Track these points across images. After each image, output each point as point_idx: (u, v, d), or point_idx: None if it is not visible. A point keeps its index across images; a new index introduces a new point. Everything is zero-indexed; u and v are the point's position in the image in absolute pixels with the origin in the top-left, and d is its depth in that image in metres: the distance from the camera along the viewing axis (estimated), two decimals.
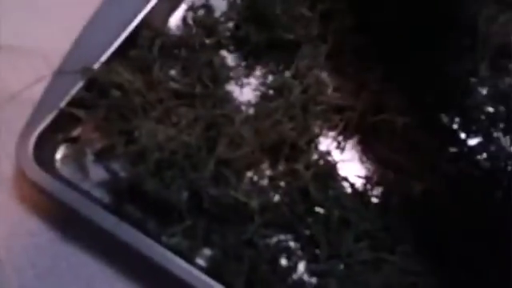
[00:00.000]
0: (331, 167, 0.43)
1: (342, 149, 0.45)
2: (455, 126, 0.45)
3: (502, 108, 0.45)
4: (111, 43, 0.45)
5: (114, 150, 0.43)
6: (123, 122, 0.43)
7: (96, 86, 0.44)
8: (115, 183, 0.43)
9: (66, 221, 0.44)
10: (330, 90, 0.45)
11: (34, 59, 0.47)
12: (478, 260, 0.40)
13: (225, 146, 0.42)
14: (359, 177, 0.44)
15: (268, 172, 0.44)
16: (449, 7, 0.45)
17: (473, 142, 0.44)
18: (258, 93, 0.47)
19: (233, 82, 0.47)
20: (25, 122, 0.43)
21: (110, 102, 0.44)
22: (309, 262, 0.41)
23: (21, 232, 0.44)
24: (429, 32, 0.44)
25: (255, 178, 0.43)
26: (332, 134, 0.45)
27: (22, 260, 0.43)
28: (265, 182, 0.43)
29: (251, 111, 0.45)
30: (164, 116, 0.44)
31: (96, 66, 0.44)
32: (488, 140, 0.44)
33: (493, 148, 0.44)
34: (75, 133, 0.45)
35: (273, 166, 0.44)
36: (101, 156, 0.44)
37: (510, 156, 0.42)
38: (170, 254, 0.40)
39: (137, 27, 0.46)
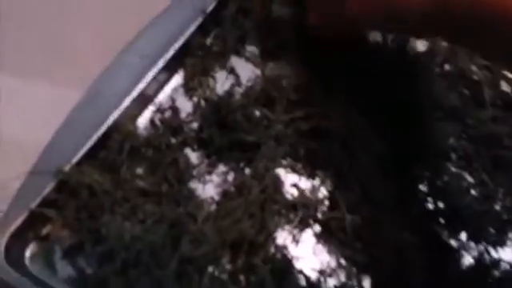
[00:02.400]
0: (287, 261, 0.47)
1: (297, 242, 0.49)
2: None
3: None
4: (83, 145, 0.48)
5: (83, 248, 0.45)
6: (92, 221, 0.46)
7: (67, 187, 0.47)
8: (82, 281, 0.45)
9: None
10: (285, 188, 0.50)
11: (12, 152, 0.50)
12: None
13: (188, 244, 0.45)
14: (314, 270, 0.47)
15: (228, 267, 0.46)
16: None
17: None
18: (219, 190, 0.50)
19: (196, 180, 0.50)
20: None
21: (79, 201, 0.47)
22: None
23: None
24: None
25: (216, 273, 0.46)
26: (288, 228, 0.49)
27: None
28: (225, 276, 0.46)
29: (213, 208, 0.48)
30: (130, 213, 0.47)
31: (67, 167, 0.47)
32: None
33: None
34: (45, 231, 0.47)
35: (233, 260, 0.47)
36: (69, 253, 0.46)
37: None
38: None
39: (108, 129, 0.49)
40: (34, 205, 0.45)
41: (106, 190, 0.47)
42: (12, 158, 0.51)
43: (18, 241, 0.45)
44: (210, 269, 0.46)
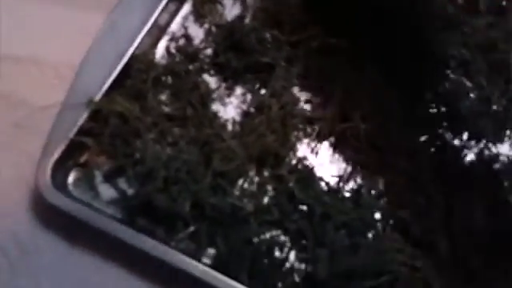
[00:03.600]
0: (309, 170, 0.51)
1: (316, 153, 0.53)
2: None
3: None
4: (109, 75, 0.51)
5: (122, 172, 0.49)
6: (126, 146, 0.49)
7: (100, 115, 0.50)
8: (125, 201, 0.49)
9: (80, 237, 0.49)
10: (302, 104, 0.53)
11: (47, 70, 0.54)
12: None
13: (218, 160, 0.49)
14: (333, 176, 0.52)
15: (256, 179, 0.51)
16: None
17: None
18: (239, 110, 0.54)
19: (217, 103, 0.54)
20: (39, 150, 0.48)
21: (112, 128, 0.50)
22: (298, 252, 0.49)
23: (32, 250, 0.50)
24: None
25: (246, 185, 0.50)
26: (307, 141, 0.53)
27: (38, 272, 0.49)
28: (254, 187, 0.50)
29: (237, 128, 0.52)
30: (160, 137, 0.51)
31: (98, 97, 0.50)
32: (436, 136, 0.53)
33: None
34: (84, 158, 0.50)
35: (260, 173, 0.51)
36: (109, 177, 0.50)
37: None
38: (180, 256, 0.46)
39: (129, 60, 0.52)
40: (71, 134, 0.48)
41: (136, 117, 0.50)
42: (50, 80, 0.54)
43: (60, 168, 0.48)
44: (240, 181, 0.50)
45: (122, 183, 0.50)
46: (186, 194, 0.47)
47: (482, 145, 0.53)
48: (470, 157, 0.53)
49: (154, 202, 0.46)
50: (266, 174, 0.50)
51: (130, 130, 0.50)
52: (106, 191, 0.50)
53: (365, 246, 0.48)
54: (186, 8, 0.58)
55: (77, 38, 0.54)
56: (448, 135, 0.53)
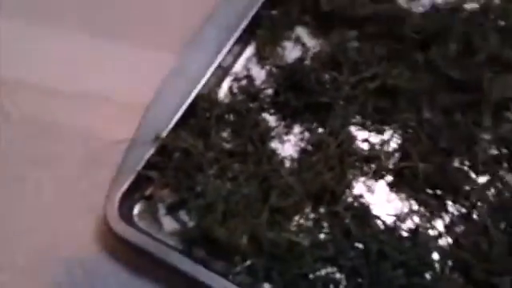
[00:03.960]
0: (365, 208, 0.52)
1: (372, 192, 0.53)
2: (466, 168, 0.53)
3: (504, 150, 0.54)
4: (175, 113, 0.54)
5: (183, 204, 0.51)
6: (189, 180, 0.52)
7: (165, 151, 0.52)
8: (186, 232, 0.51)
9: (143, 266, 0.52)
10: (359, 143, 0.54)
11: (119, 107, 0.58)
12: None
13: (276, 196, 0.51)
14: (390, 215, 0.52)
15: (312, 215, 0.52)
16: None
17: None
18: (297, 148, 0.55)
19: (275, 140, 0.56)
20: (107, 182, 0.51)
21: (176, 163, 0.52)
22: None
23: (98, 277, 0.52)
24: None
25: (302, 221, 0.51)
26: (363, 179, 0.54)
27: None
28: (310, 223, 0.51)
29: (294, 165, 0.53)
30: (221, 172, 0.53)
31: (165, 133, 0.53)
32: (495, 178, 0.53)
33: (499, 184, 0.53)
34: (149, 191, 0.53)
35: (315, 209, 0.52)
36: (172, 209, 0.52)
37: None
38: None
39: (195, 99, 0.55)
40: (138, 168, 0.51)
41: (199, 152, 0.52)
42: (121, 116, 0.58)
43: (126, 201, 0.51)
44: (296, 217, 0.51)
45: (184, 216, 0.52)
46: (244, 227, 0.49)
47: None
48: None
49: (213, 234, 0.48)
50: (322, 210, 0.51)
51: (193, 165, 0.52)
52: (169, 223, 0.52)
53: (422, 286, 0.48)
54: (249, 50, 0.61)
55: (147, 76, 0.57)
56: (509, 177, 0.53)
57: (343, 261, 0.49)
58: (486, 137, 0.54)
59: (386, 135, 0.55)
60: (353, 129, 0.56)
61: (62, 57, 0.62)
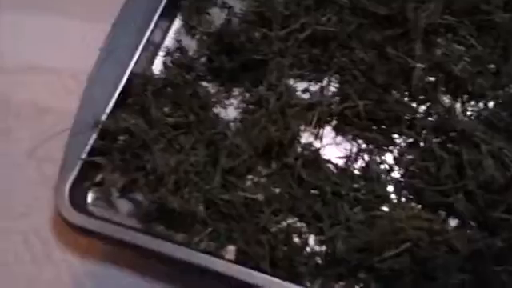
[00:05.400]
0: (315, 154, 0.52)
1: (320, 138, 0.54)
2: (405, 99, 0.54)
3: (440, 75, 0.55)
4: (112, 96, 0.53)
5: (135, 184, 0.51)
6: (136, 159, 0.52)
7: (108, 134, 0.52)
8: (142, 211, 0.51)
9: (106, 250, 0.52)
10: (299, 94, 0.55)
11: (66, 78, 0.60)
12: None
13: (225, 158, 0.51)
14: (340, 158, 0.53)
15: (265, 171, 0.52)
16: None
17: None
18: (239, 110, 0.56)
19: (217, 106, 0.56)
20: (60, 153, 0.51)
21: (121, 145, 0.52)
22: (316, 235, 0.49)
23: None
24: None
25: (256, 179, 0.52)
26: (309, 128, 0.54)
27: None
28: (264, 179, 0.52)
29: (239, 126, 0.54)
30: (168, 146, 0.53)
31: (104, 117, 0.52)
32: (435, 103, 0.54)
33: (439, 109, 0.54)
34: (99, 177, 0.52)
35: (267, 165, 0.52)
36: (125, 192, 0.52)
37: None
38: (204, 255, 0.47)
39: (128, 78, 0.54)
40: (83, 156, 0.51)
41: (142, 130, 0.52)
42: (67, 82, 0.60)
43: (77, 190, 0.51)
44: (250, 176, 0.52)
45: (138, 196, 0.52)
46: (198, 194, 0.49)
47: (481, 104, 0.53)
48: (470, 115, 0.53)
49: (168, 206, 0.48)
50: (273, 165, 0.52)
51: (138, 144, 0.52)
52: (125, 205, 0.52)
53: (380, 218, 0.49)
54: (177, 23, 0.60)
55: (88, 46, 0.59)
56: (447, 99, 0.54)
57: (301, 209, 0.50)
58: (420, 65, 0.55)
59: (325, 81, 0.56)
60: (291, 81, 0.56)
61: (3, 33, 0.63)
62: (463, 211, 0.48)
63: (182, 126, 0.54)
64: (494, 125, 0.51)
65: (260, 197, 0.49)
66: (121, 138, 0.53)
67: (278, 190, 0.51)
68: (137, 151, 0.52)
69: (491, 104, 0.53)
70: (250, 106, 0.55)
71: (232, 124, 0.54)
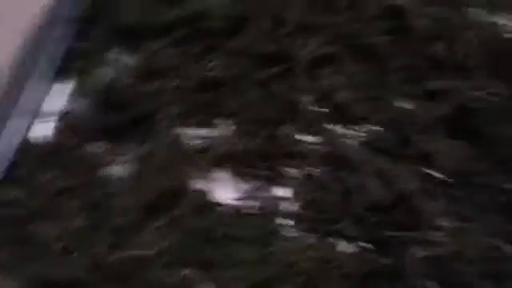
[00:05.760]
0: (206, 199, 0.52)
1: (214, 181, 0.54)
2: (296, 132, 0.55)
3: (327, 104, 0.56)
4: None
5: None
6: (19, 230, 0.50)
7: None
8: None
9: None
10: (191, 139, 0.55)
11: None
12: None
13: (114, 217, 0.50)
14: (233, 198, 0.53)
15: (156, 224, 0.51)
16: None
17: None
18: (130, 165, 0.55)
19: (108, 165, 0.55)
20: None
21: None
22: (214, 280, 0.48)
23: None
24: None
25: (146, 234, 0.50)
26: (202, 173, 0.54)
27: None
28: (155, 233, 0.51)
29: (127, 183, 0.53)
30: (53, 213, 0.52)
31: None
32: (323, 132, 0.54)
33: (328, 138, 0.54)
34: None
35: (158, 217, 0.51)
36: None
37: None
38: None
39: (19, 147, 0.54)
40: None
41: (24, 201, 0.51)
42: None
43: None
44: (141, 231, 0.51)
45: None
46: (84, 260, 0.48)
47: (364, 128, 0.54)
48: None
49: (52, 275, 0.47)
50: (164, 217, 0.51)
51: (21, 215, 0.51)
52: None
53: (274, 255, 0.48)
54: (70, 85, 0.61)
55: None
56: (334, 127, 0.55)
57: (195, 257, 0.49)
58: (306, 98, 0.56)
59: (217, 125, 0.57)
60: (184, 129, 0.56)
61: None
62: (353, 235, 0.48)
63: (68, 190, 0.53)
64: (377, 147, 0.51)
65: (151, 252, 0.48)
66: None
67: (168, 242, 0.50)
68: (20, 222, 0.51)
69: (375, 128, 0.53)
70: (141, 160, 0.55)
71: (122, 181, 0.53)
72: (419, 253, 0.46)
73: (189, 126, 0.56)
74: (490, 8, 0.54)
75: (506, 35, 0.52)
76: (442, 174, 0.50)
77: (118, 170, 0.55)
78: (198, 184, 0.53)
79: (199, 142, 0.55)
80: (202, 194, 0.52)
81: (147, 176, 0.52)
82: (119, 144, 0.56)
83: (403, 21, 0.56)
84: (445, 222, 0.47)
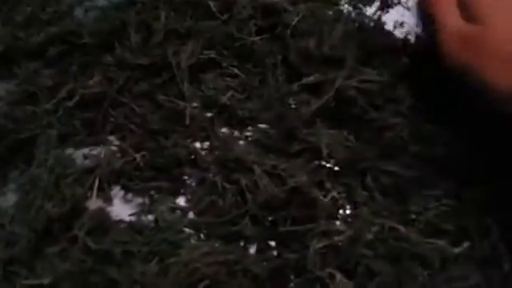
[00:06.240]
0: (101, 219, 0.50)
1: (109, 200, 0.52)
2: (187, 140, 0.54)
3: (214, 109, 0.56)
4: None
5: None
6: None
7: None
8: None
9: None
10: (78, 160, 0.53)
11: None
12: None
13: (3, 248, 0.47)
14: (131, 214, 0.51)
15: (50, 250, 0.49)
16: None
17: None
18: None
19: None
20: None
21: None
22: None
23: None
24: None
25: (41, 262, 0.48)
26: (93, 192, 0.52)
27: None
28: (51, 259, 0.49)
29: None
30: None
31: None
32: (214, 137, 0.54)
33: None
34: None
35: (51, 243, 0.49)
36: None
37: None
38: None
39: None
40: None
41: None
42: None
43: None
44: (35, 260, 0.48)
45: None
46: None
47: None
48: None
49: None
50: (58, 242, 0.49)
51: None
52: None
53: (175, 265, 0.47)
54: None
55: None
56: (223, 130, 0.55)
57: (94, 280, 0.47)
58: (191, 105, 0.55)
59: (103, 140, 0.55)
60: (70, 150, 0.54)
61: None
62: (253, 235, 0.48)
63: None
64: (267, 145, 0.52)
65: (46, 280, 0.46)
66: None
67: (66, 268, 0.48)
68: None
69: (262, 126, 0.54)
70: (26, 188, 0.52)
71: (8, 212, 0.50)
72: (318, 244, 0.47)
73: (73, 146, 0.54)
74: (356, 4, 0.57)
75: (372, 24, 0.55)
76: (332, 164, 0.51)
77: (2, 200, 0.52)
78: (92, 204, 0.51)
79: (86, 161, 0.53)
80: (96, 213, 0.50)
81: (34, 203, 0.49)
82: (3, 173, 0.53)
83: (277, 18, 0.57)
84: (339, 210, 0.49)
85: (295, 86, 0.52)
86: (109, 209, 0.51)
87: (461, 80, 0.46)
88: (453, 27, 0.47)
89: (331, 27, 0.52)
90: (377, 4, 0.58)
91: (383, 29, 0.56)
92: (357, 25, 0.54)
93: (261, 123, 0.54)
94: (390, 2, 0.58)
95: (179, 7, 0.60)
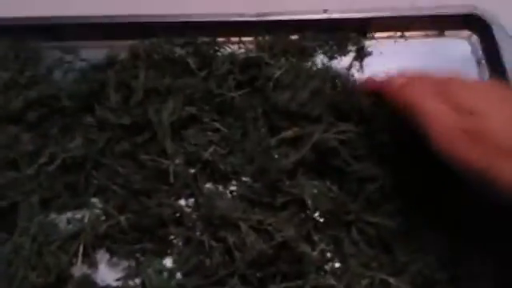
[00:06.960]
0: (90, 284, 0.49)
1: (94, 265, 0.51)
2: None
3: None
4: None
5: None
6: None
7: None
8: None
9: None
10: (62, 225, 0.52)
11: None
12: None
13: None
14: (117, 279, 0.50)
15: None
16: None
17: None
18: None
19: None
20: None
21: None
22: None
23: None
24: None
25: None
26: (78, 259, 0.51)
27: None
28: None
29: None
30: None
31: None
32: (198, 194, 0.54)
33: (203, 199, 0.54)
34: None
35: None
36: None
37: None
38: None
39: None
40: None
41: None
42: None
43: None
44: None
45: None
46: None
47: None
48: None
49: None
50: None
51: None
52: None
53: None
54: None
55: None
56: (207, 186, 0.55)
57: None
58: (175, 162, 0.55)
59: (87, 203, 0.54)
60: (53, 215, 0.53)
61: None
62: None
63: None
64: (251, 199, 0.52)
65: None
66: None
67: None
68: None
69: (246, 179, 0.54)
70: (9, 258, 0.51)
71: None
72: None
73: (56, 210, 0.53)
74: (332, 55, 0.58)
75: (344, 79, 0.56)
76: (317, 216, 0.51)
77: None
78: (77, 270, 0.50)
79: (70, 226, 0.52)
80: (82, 281, 0.49)
81: (18, 274, 0.48)
82: None
83: (256, 72, 0.58)
84: (327, 264, 0.49)
85: (273, 141, 0.52)
86: (94, 275, 0.50)
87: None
88: (447, 122, 0.43)
89: (304, 83, 0.53)
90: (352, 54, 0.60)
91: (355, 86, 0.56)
92: (330, 84, 0.55)
93: (244, 177, 0.54)
94: (365, 52, 0.60)
95: (158, 65, 0.61)
